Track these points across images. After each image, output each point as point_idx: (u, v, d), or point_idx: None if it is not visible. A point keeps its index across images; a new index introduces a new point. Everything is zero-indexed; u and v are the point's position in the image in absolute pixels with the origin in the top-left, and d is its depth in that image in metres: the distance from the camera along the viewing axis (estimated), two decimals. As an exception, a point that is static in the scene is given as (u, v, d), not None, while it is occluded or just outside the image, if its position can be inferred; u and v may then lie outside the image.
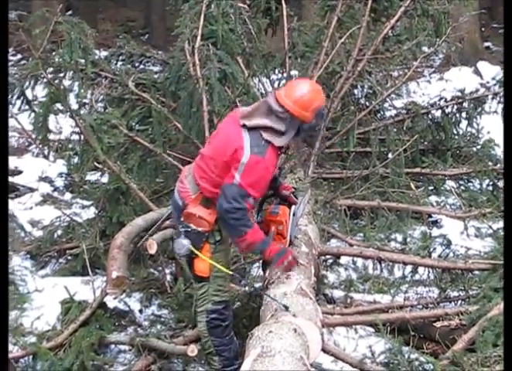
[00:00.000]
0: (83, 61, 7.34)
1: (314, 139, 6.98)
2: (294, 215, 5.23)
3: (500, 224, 6.95)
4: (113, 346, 5.64)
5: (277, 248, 4.93)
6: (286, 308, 4.52)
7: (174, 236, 4.98)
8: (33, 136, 9.91)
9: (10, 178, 9.50)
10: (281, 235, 5.15)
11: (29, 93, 7.96)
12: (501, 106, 9.02)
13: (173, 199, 5.13)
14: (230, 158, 4.73)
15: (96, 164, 7.94)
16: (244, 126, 4.81)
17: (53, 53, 7.18)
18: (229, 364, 5.00)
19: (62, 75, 7.38)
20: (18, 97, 7.89)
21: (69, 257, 7.25)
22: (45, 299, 6.31)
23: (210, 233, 4.89)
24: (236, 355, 4.99)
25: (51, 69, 7.54)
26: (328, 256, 6.77)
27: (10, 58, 16.38)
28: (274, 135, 4.77)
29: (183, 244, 4.85)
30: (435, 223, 7.88)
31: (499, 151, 9.01)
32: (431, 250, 6.28)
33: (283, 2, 8.94)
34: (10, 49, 16.50)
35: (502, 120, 5.04)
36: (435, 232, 7.44)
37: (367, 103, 9.45)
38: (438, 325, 5.34)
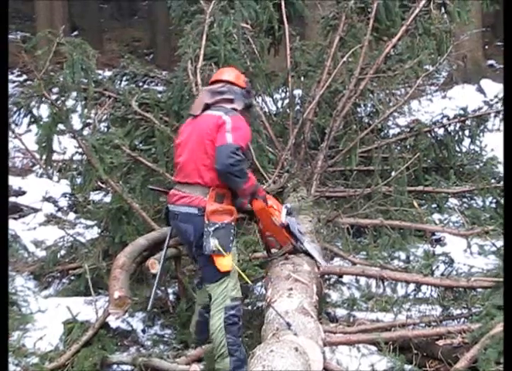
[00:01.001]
0: (85, 81, 7.36)
1: (253, 112, 7.13)
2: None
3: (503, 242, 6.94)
4: (115, 366, 5.60)
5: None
6: (289, 326, 4.53)
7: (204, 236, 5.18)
8: (37, 156, 9.95)
9: (14, 199, 9.56)
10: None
11: (35, 112, 8.01)
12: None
13: (181, 224, 5.38)
14: (216, 132, 5.28)
15: (100, 184, 7.99)
16: (204, 109, 5.54)
17: (56, 74, 7.19)
18: (240, 365, 5.08)
19: (65, 95, 7.38)
20: (25, 115, 7.94)
21: (72, 277, 7.25)
22: (48, 319, 6.29)
23: (235, 225, 5.33)
24: (245, 359, 5.01)
25: (55, 89, 7.57)
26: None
27: (16, 79, 16.50)
28: (229, 103, 5.57)
29: (212, 243, 5.12)
30: (439, 241, 7.86)
31: (502, 169, 9.01)
32: (434, 268, 6.26)
33: (285, 22, 8.98)
34: (15, 70, 16.63)
35: (502, 136, 5.01)
36: (438, 250, 7.42)
37: (370, 122, 9.48)
38: (440, 343, 5.31)
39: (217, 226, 5.18)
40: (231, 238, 5.25)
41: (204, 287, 5.47)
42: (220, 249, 5.10)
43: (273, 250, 5.94)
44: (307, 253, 5.86)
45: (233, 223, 5.30)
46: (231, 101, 5.58)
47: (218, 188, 5.29)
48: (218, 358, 5.18)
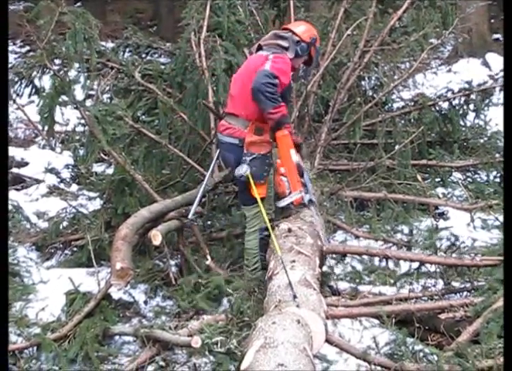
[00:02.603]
0: (88, 51, 7.31)
1: (310, 71, 7.25)
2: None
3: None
4: (117, 337, 5.60)
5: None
6: (295, 297, 4.53)
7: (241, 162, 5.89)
8: (40, 127, 9.93)
9: (16, 170, 9.52)
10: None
11: (37, 83, 7.96)
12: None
13: (226, 153, 6.16)
14: (257, 68, 5.89)
15: (102, 155, 7.97)
16: (259, 48, 6.21)
17: (59, 44, 7.13)
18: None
19: (67, 66, 7.32)
20: (27, 86, 7.90)
21: (74, 249, 7.24)
22: (50, 290, 6.29)
23: (271, 156, 6.02)
24: None
25: (58, 60, 7.52)
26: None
27: (18, 50, 16.39)
28: (280, 49, 6.10)
29: (243, 169, 5.79)
30: (442, 215, 7.84)
31: (506, 143, 8.98)
32: (438, 246, 6.24)
33: (290, -7, 8.91)
34: (18, 41, 16.53)
35: (503, 111, 4.96)
36: (442, 224, 7.41)
37: (374, 95, 9.43)
38: (442, 316, 5.31)
39: (254, 156, 5.90)
40: (266, 168, 5.98)
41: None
42: (249, 176, 5.75)
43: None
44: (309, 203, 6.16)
45: (268, 154, 6.01)
46: (286, 48, 6.13)
47: (258, 122, 5.95)
48: (253, 271, 6.06)
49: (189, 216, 6.14)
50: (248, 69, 6.09)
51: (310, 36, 6.29)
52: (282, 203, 6.06)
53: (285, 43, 6.15)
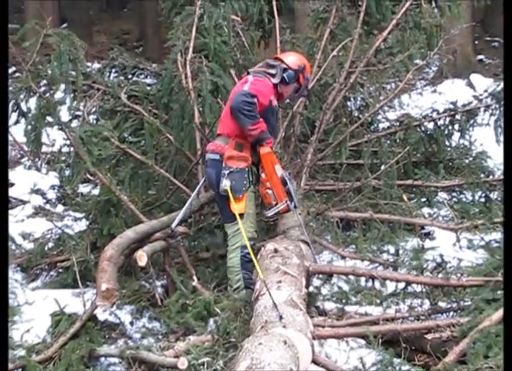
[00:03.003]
0: (74, 73, 7.31)
1: (298, 98, 7.64)
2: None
3: (492, 236, 6.94)
4: (103, 359, 5.55)
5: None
6: (281, 318, 4.52)
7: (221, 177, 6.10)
8: (26, 148, 9.90)
9: (2, 191, 9.47)
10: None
11: (23, 106, 7.94)
12: (493, 118, 9.03)
13: (208, 169, 6.29)
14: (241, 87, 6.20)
15: (88, 176, 7.96)
16: (247, 73, 6.47)
17: (44, 66, 7.13)
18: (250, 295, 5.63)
19: (53, 88, 7.32)
20: (14, 110, 7.89)
21: (59, 270, 7.23)
22: (35, 312, 6.26)
23: (249, 171, 6.16)
24: None
25: (44, 81, 7.52)
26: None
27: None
28: (270, 76, 6.40)
29: (224, 183, 6.02)
30: (428, 235, 7.86)
31: (491, 163, 9.04)
32: (424, 266, 6.24)
33: (276, 15, 8.94)
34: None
35: (503, 126, 5.00)
36: (428, 244, 7.42)
37: (360, 116, 9.45)
38: (429, 337, 5.31)
39: (232, 169, 6.08)
40: (245, 182, 6.11)
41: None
42: (228, 190, 5.98)
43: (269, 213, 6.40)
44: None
45: (247, 169, 6.15)
46: (272, 75, 6.45)
47: (238, 138, 6.18)
48: (235, 290, 6.06)
49: (173, 226, 6.30)
50: (232, 93, 6.42)
51: (298, 65, 6.58)
52: (270, 213, 6.35)
53: (272, 71, 6.47)
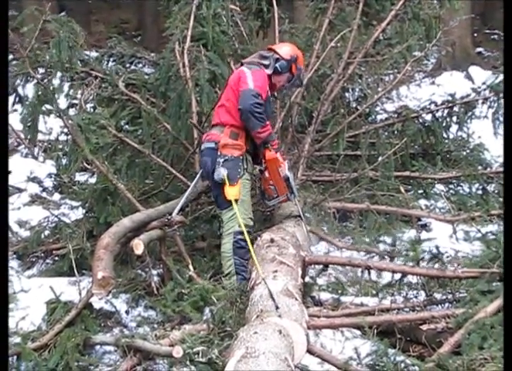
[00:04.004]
0: (72, 60, 7.28)
1: (291, 88, 7.55)
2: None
3: (489, 228, 6.94)
4: (98, 347, 5.56)
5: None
6: (277, 308, 4.52)
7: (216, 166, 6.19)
8: (22, 136, 9.89)
9: (-1, 179, 9.45)
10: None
11: (20, 91, 7.93)
12: (491, 111, 9.03)
13: (204, 158, 6.40)
14: (237, 82, 6.30)
15: (85, 164, 7.94)
16: (241, 64, 6.58)
17: (42, 52, 7.11)
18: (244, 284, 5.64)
19: (51, 74, 7.30)
20: (10, 94, 7.85)
21: (56, 258, 7.22)
22: (31, 299, 6.24)
23: (244, 159, 6.25)
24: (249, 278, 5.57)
25: (41, 68, 7.50)
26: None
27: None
28: (263, 67, 6.48)
29: (221, 172, 6.10)
30: (424, 227, 7.86)
31: (488, 156, 9.06)
32: (421, 257, 6.24)
33: (275, 4, 8.91)
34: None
35: (503, 119, 4.98)
36: (424, 235, 7.41)
37: (358, 107, 9.46)
38: (424, 327, 5.30)
39: (227, 158, 6.18)
40: (239, 170, 6.19)
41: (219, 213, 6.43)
42: (225, 178, 6.06)
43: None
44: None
45: (241, 158, 6.24)
46: (266, 66, 6.53)
47: (233, 127, 6.27)
48: (226, 276, 6.16)
49: (174, 214, 6.34)
50: (227, 84, 6.53)
51: (290, 55, 6.68)
52: (271, 203, 6.64)
53: (265, 62, 6.58)
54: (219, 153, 6.21)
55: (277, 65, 6.55)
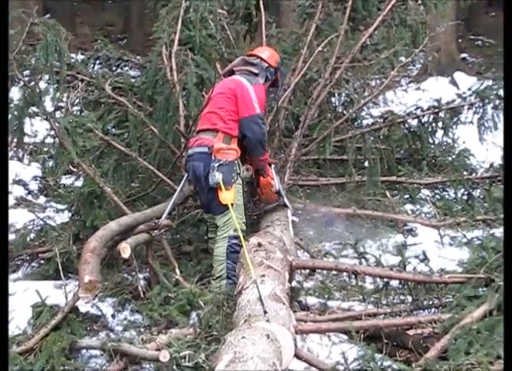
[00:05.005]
0: (58, 63, 7.25)
1: (278, 92, 7.69)
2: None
3: (475, 233, 6.98)
4: (84, 351, 5.52)
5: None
6: (265, 313, 4.52)
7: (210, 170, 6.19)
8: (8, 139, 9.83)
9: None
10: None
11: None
12: (477, 116, 9.07)
13: (194, 162, 6.36)
14: (234, 92, 6.36)
15: (71, 167, 7.91)
16: (231, 74, 6.73)
17: (29, 55, 7.08)
18: (233, 288, 5.57)
19: (38, 77, 7.27)
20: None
21: (41, 261, 7.17)
22: (16, 303, 6.19)
23: (238, 164, 6.30)
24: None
25: (27, 71, 7.46)
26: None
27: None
28: (252, 75, 6.61)
29: (216, 176, 6.10)
30: (410, 232, 7.88)
31: (474, 161, 9.10)
32: (407, 263, 6.25)
33: (262, 9, 8.92)
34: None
35: (503, 124, 5.00)
36: (410, 240, 7.44)
37: (344, 111, 9.50)
38: (411, 332, 5.32)
39: (221, 162, 6.18)
40: (233, 175, 6.22)
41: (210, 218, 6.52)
42: (221, 183, 6.06)
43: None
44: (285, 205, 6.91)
45: (235, 162, 6.27)
46: (256, 75, 6.65)
47: (226, 133, 6.30)
48: (217, 278, 6.17)
49: (162, 218, 6.34)
50: (220, 91, 6.50)
51: (276, 61, 6.87)
52: (262, 208, 6.95)
53: (254, 69, 6.69)
54: (213, 157, 6.20)
55: (267, 73, 6.73)
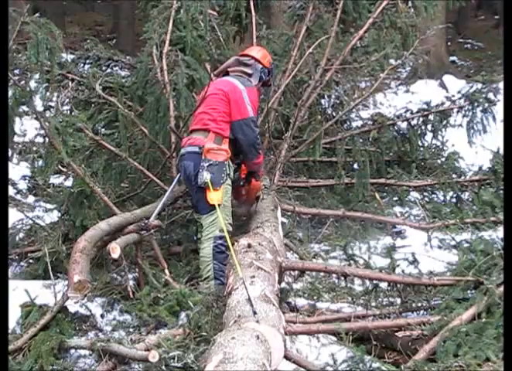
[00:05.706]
0: (49, 63, 7.23)
1: (268, 93, 8.03)
2: None
3: (463, 236, 7.00)
4: (73, 351, 5.50)
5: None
6: (255, 313, 4.52)
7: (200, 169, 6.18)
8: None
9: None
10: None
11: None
12: (466, 119, 9.10)
13: (185, 162, 6.35)
14: (226, 94, 6.37)
15: (60, 167, 7.89)
16: (225, 74, 6.73)
17: (19, 54, 7.05)
18: (221, 289, 5.62)
19: (28, 76, 7.25)
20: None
21: (30, 261, 7.15)
22: (5, 302, 6.20)
23: (227, 165, 6.26)
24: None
25: (17, 70, 7.44)
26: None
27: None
28: (246, 76, 6.65)
29: (204, 176, 6.09)
30: (399, 234, 7.91)
31: (463, 164, 9.12)
32: (396, 265, 6.27)
33: (252, 10, 8.94)
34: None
35: (503, 126, 5.01)
36: (399, 243, 7.45)
37: (334, 113, 9.52)
38: (400, 334, 5.33)
39: (211, 162, 6.16)
40: (223, 175, 6.19)
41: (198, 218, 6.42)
42: (209, 182, 6.04)
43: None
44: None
45: (225, 162, 6.24)
46: (249, 75, 6.69)
47: (217, 134, 6.30)
48: (205, 280, 6.15)
49: (151, 218, 6.28)
50: (214, 92, 6.48)
51: (269, 61, 6.94)
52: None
53: (248, 70, 6.74)
54: (203, 157, 6.20)
55: (261, 74, 6.77)
